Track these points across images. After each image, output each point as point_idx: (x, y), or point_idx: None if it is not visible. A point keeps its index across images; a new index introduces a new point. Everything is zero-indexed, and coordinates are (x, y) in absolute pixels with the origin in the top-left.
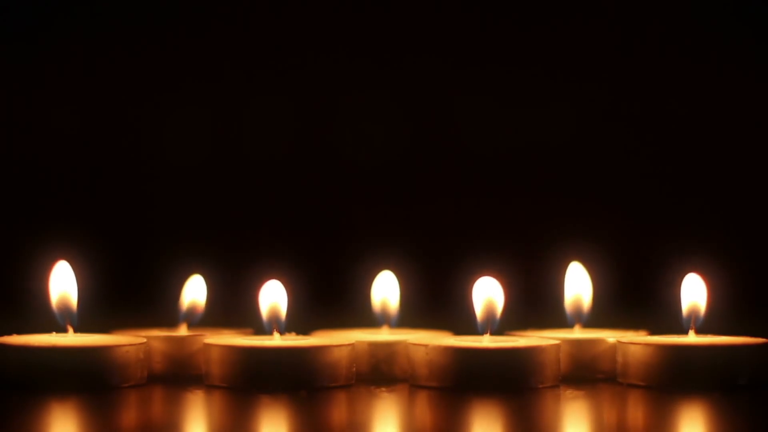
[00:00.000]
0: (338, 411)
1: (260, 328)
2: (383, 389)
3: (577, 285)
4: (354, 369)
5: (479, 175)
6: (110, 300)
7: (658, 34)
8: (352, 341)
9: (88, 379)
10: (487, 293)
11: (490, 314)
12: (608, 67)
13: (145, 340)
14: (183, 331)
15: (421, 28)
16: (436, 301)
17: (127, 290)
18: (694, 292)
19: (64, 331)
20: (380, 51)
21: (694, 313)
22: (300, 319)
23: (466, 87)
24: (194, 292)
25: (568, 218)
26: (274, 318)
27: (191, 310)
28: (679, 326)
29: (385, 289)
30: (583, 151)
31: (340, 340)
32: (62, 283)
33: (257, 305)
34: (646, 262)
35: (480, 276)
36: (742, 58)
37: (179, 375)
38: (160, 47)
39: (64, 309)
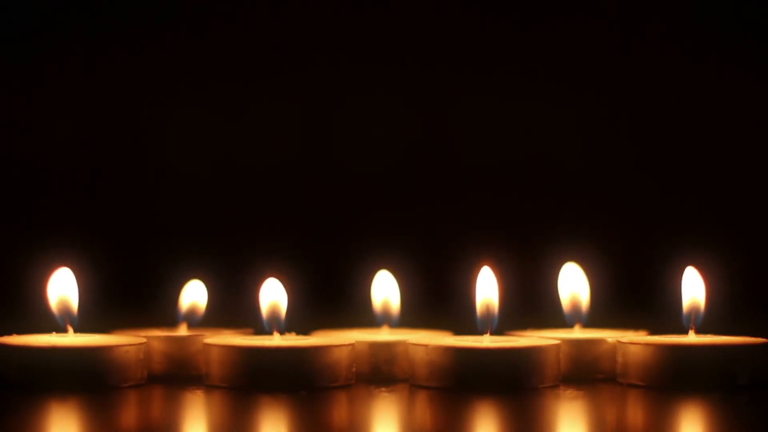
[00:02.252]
0: (338, 411)
1: (260, 328)
2: (383, 389)
3: (572, 285)
4: (354, 369)
5: (479, 175)
6: (110, 300)
7: (658, 34)
8: (352, 341)
9: (88, 379)
10: (486, 292)
11: (488, 313)
12: (608, 67)
13: (145, 340)
14: (183, 331)
15: (421, 29)
16: (435, 300)
17: (127, 290)
18: (693, 288)
19: (64, 331)
20: (380, 51)
21: (694, 310)
22: (300, 319)
23: (466, 87)
24: (194, 295)
25: (567, 218)
26: (274, 317)
27: (191, 313)
28: (679, 326)
29: (387, 289)
30: (582, 151)
31: (340, 340)
32: (62, 288)
33: (257, 304)
34: (645, 261)
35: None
36: (742, 58)
37: (179, 375)
38: (160, 47)
39: (64, 312)
